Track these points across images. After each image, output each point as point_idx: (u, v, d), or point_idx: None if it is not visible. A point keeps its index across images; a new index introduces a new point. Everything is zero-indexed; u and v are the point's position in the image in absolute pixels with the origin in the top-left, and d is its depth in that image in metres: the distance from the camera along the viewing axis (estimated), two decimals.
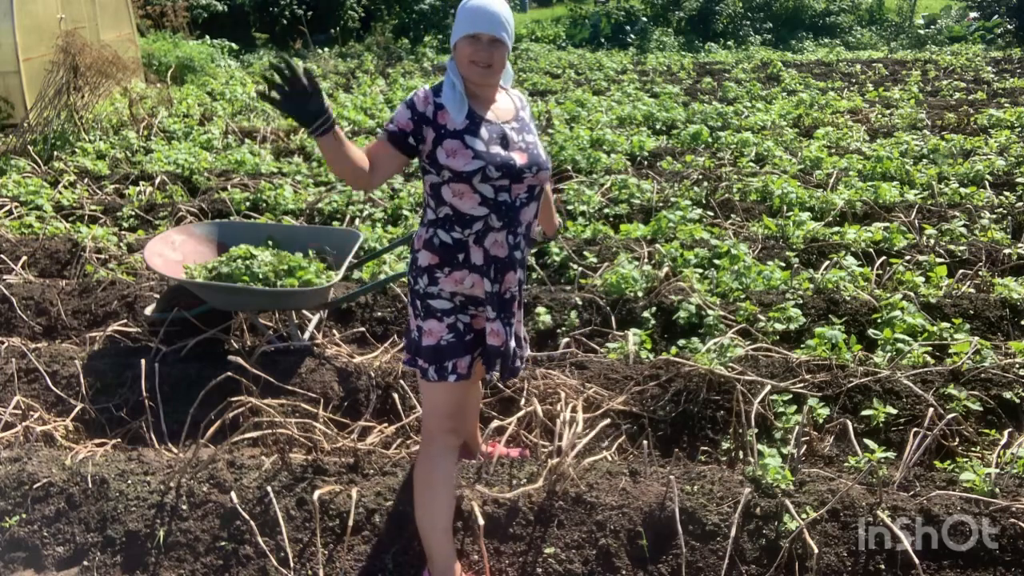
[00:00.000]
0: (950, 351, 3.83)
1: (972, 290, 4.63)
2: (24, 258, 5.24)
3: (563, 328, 4.24)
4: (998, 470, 2.95)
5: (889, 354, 3.84)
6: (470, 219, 2.44)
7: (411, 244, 2.60)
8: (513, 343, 2.60)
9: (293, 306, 3.89)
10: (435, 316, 2.50)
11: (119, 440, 3.51)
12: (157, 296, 4.34)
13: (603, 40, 17.81)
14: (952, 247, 5.16)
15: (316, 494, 2.77)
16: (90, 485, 2.95)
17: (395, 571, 2.70)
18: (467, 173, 2.37)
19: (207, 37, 15.08)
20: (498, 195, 2.43)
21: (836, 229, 5.47)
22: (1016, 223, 5.79)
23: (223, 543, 2.78)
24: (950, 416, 3.20)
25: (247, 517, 2.79)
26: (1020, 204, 6.13)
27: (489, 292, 2.48)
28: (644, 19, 18.30)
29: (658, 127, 9.17)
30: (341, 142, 2.29)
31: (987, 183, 6.68)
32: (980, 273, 4.80)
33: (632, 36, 17.71)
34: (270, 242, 4.16)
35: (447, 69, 2.46)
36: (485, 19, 2.36)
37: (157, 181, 6.95)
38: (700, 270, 4.83)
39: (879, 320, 4.12)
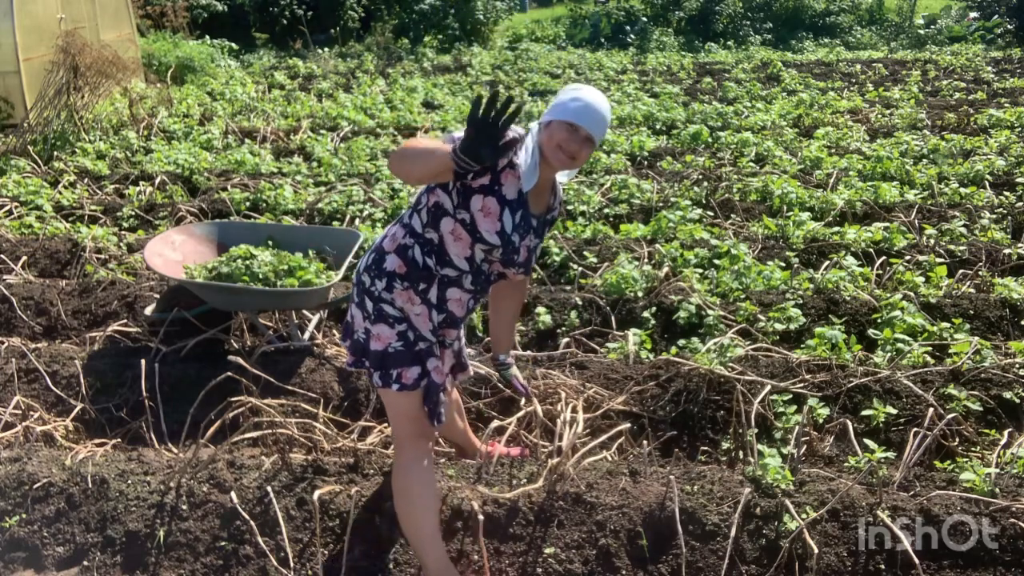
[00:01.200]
0: (950, 351, 3.83)
1: (972, 290, 4.63)
2: (24, 258, 5.24)
3: (563, 328, 4.24)
4: (998, 470, 2.95)
5: (889, 354, 3.85)
6: (448, 261, 2.44)
7: (378, 243, 2.53)
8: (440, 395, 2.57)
9: (293, 306, 3.89)
10: (386, 321, 2.46)
11: (119, 440, 3.51)
12: (157, 296, 4.34)
13: (603, 40, 17.79)
14: (952, 247, 5.16)
15: (316, 494, 2.77)
16: (90, 485, 2.95)
17: (395, 571, 2.70)
18: (481, 236, 2.37)
19: (207, 37, 15.06)
20: (482, 264, 2.47)
21: (836, 229, 5.47)
22: (1016, 223, 5.79)
23: (223, 543, 2.78)
24: (950, 416, 3.20)
25: (247, 517, 2.79)
26: (1020, 204, 6.13)
27: (429, 331, 2.49)
28: (644, 19, 18.28)
29: (658, 127, 9.17)
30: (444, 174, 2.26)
31: (987, 183, 6.67)
32: (980, 273, 4.80)
33: (632, 36, 17.69)
34: (270, 242, 4.16)
35: (531, 132, 2.40)
36: (591, 117, 2.35)
37: (157, 181, 6.95)
38: (700, 270, 4.83)
39: (879, 320, 4.12)
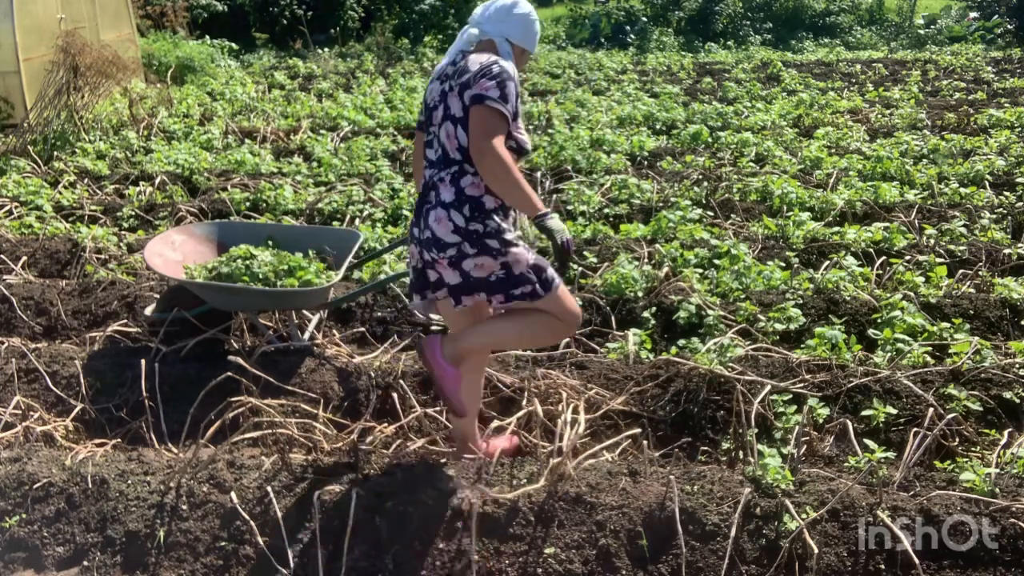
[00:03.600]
0: (950, 351, 3.83)
1: (972, 290, 4.63)
2: (24, 258, 5.24)
3: None
4: (998, 470, 2.95)
5: (889, 354, 3.85)
6: None
7: (457, 199, 2.71)
8: None
9: (293, 306, 3.89)
10: (514, 244, 2.73)
11: (119, 440, 3.50)
12: (157, 296, 4.34)
13: (603, 40, 17.79)
14: (952, 247, 5.16)
15: (316, 494, 2.77)
16: (90, 485, 2.95)
17: (395, 571, 2.70)
18: (525, 149, 2.82)
19: (207, 37, 15.06)
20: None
21: (836, 229, 5.47)
22: (1016, 223, 5.79)
23: (223, 543, 2.78)
24: (950, 416, 3.20)
25: (247, 517, 2.79)
26: (1020, 204, 6.13)
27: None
28: (644, 19, 18.27)
29: (658, 127, 9.17)
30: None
31: (987, 183, 6.68)
32: (980, 273, 4.80)
33: (632, 36, 17.69)
34: (270, 242, 4.16)
35: (503, 55, 2.78)
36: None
37: (157, 181, 6.95)
38: (700, 270, 4.83)
39: (879, 320, 4.12)
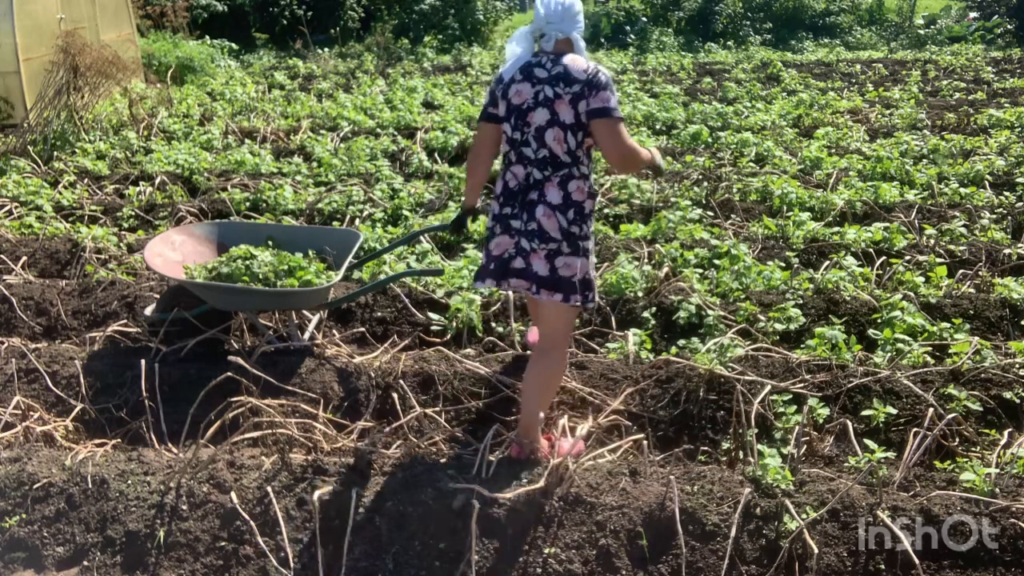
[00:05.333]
0: (950, 351, 3.83)
1: (972, 290, 4.63)
2: (24, 258, 5.24)
3: None
4: (998, 470, 2.95)
5: (889, 354, 3.85)
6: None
7: (565, 201, 2.93)
8: None
9: (293, 306, 3.89)
10: (591, 253, 3.03)
11: (119, 440, 3.50)
12: (157, 296, 4.34)
13: (603, 40, 17.78)
14: (952, 247, 5.16)
15: (316, 494, 2.77)
16: (90, 485, 2.95)
17: (395, 571, 2.70)
18: None
19: (207, 37, 15.06)
20: None
21: (836, 229, 5.47)
22: (1016, 223, 5.79)
23: (223, 543, 2.78)
24: (950, 416, 3.20)
25: (247, 517, 2.79)
26: (1020, 204, 6.13)
27: None
28: (644, 19, 18.27)
29: (658, 127, 9.16)
30: None
31: (987, 183, 6.68)
32: (980, 273, 4.80)
33: (632, 36, 17.69)
34: (270, 242, 4.16)
35: (580, 51, 3.01)
36: None
37: (157, 181, 6.95)
38: (700, 270, 4.83)
39: (879, 320, 4.13)
